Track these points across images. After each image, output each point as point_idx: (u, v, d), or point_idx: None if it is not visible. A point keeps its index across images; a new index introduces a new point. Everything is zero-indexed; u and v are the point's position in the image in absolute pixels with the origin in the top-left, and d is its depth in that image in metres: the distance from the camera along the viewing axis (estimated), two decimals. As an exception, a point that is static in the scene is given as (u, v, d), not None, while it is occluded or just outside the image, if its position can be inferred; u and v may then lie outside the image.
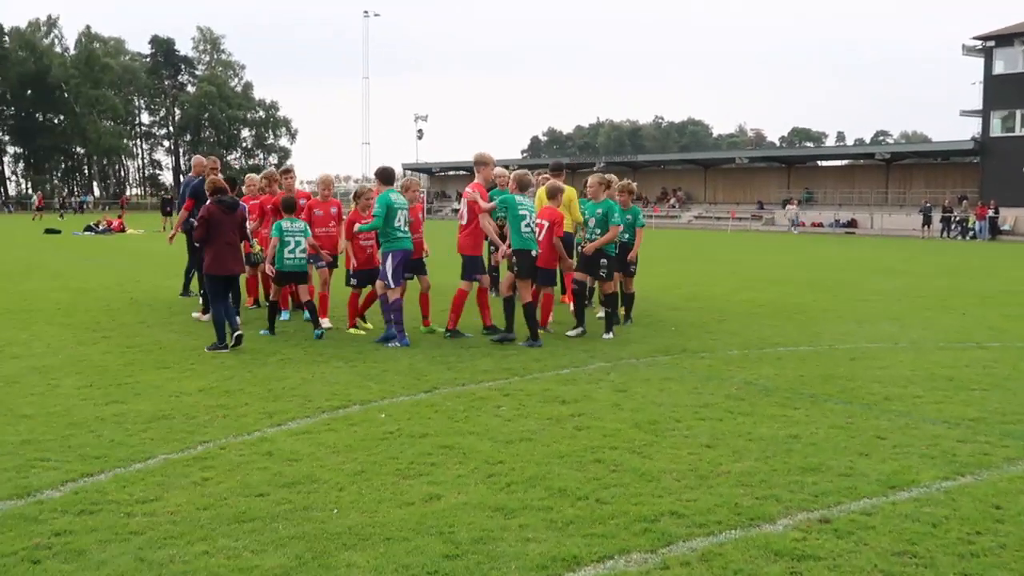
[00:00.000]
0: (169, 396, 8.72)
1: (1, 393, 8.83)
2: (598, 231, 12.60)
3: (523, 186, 12.23)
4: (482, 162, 12.82)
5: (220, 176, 13.19)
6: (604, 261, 12.45)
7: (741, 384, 9.36)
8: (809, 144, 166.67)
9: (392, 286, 11.70)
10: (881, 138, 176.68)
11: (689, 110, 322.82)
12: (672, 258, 28.64)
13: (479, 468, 6.50)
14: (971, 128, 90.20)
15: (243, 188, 15.21)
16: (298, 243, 12.15)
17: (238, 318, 11.60)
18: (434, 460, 6.71)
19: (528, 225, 11.91)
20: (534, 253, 11.92)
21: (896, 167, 64.75)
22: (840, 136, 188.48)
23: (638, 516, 5.51)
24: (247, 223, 12.27)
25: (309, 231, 12.41)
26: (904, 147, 68.85)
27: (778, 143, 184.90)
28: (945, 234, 54.73)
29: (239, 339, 11.20)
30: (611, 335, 12.30)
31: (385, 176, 12.24)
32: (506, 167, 15.97)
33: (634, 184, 14.48)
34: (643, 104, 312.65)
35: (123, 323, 13.47)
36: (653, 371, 10.05)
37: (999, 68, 57.50)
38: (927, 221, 55.12)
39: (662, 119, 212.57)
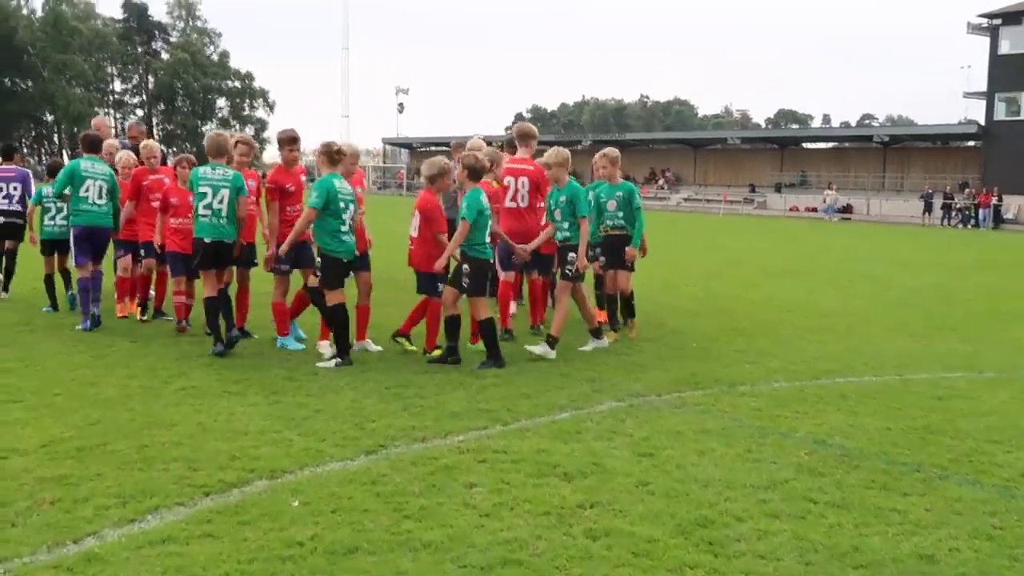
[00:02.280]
0: (-8, 458, 6.00)
1: None
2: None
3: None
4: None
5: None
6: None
7: (811, 446, 6.72)
8: (795, 126, 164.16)
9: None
10: (867, 121, 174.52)
11: (675, 89, 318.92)
12: (666, 244, 25.98)
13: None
14: (960, 112, 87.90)
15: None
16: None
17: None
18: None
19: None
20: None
21: (893, 151, 62.20)
22: (826, 119, 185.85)
23: None
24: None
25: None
26: (903, 130, 66.09)
27: (764, 124, 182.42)
28: (946, 222, 52.45)
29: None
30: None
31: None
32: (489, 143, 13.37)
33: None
34: (628, 82, 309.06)
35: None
36: (684, 418, 7.40)
37: (1005, 48, 55.00)
38: (928, 208, 52.79)
39: (648, 98, 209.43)
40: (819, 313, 13.67)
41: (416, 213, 9.49)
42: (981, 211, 51.04)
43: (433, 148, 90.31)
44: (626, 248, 10.49)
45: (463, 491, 5.57)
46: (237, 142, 10.17)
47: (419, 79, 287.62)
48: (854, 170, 62.76)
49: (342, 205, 9.06)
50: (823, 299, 15.43)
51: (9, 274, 12.82)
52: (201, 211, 9.45)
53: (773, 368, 9.42)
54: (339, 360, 8.97)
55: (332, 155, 9.29)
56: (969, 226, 51.42)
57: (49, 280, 12.05)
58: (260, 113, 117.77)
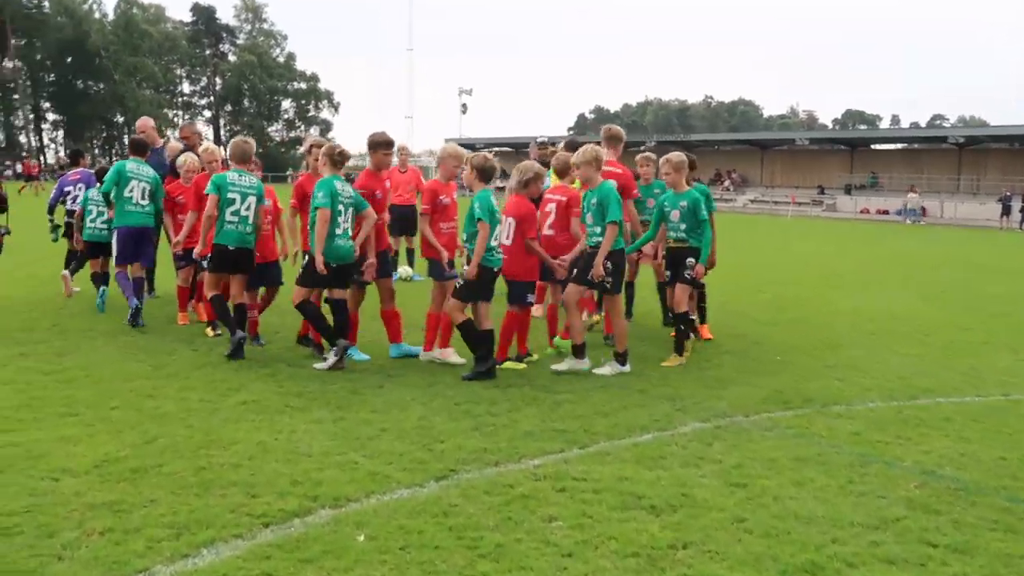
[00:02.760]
0: (41, 478, 5.67)
1: None
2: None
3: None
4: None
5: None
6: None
7: (920, 477, 6.13)
8: (863, 127, 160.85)
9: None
10: (938, 122, 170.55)
11: (739, 90, 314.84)
12: (734, 248, 25.22)
13: None
14: None
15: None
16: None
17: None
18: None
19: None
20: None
21: (968, 152, 60.36)
22: (895, 119, 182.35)
23: None
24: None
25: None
26: (978, 131, 64.04)
27: (831, 125, 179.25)
28: (1023, 226, 50.64)
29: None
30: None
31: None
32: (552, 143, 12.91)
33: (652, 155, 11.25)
34: (692, 83, 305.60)
35: (64, 328, 10.48)
36: (776, 442, 6.84)
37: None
38: (1006, 211, 51.02)
39: (712, 98, 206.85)
40: (905, 323, 12.96)
41: (508, 220, 9.10)
42: (1063, 215, 49.18)
43: (496, 149, 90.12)
44: (688, 260, 9.53)
45: (542, 525, 5.10)
46: (312, 146, 9.86)
47: (482, 80, 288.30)
48: (927, 171, 61.06)
49: (340, 208, 8.80)
50: (908, 308, 14.67)
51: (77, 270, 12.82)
52: (228, 217, 9.36)
53: (866, 386, 8.80)
54: (333, 360, 8.81)
55: (334, 157, 9.04)
56: (1050, 230, 49.63)
57: (95, 276, 12.07)
58: (325, 114, 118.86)
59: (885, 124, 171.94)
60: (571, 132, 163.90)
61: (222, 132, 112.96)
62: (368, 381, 8.38)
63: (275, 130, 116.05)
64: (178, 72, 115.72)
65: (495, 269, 8.86)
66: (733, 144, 78.47)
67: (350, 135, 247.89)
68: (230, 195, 9.32)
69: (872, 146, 69.56)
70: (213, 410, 7.28)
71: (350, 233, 8.94)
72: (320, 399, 7.71)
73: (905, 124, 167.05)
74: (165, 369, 8.68)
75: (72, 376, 8.27)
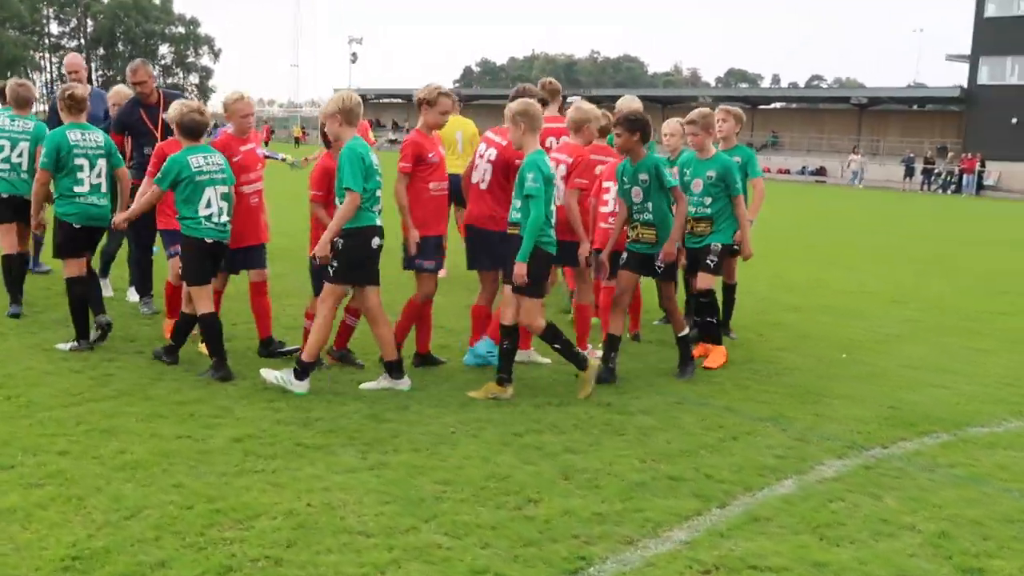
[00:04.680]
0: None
1: None
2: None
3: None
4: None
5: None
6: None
7: None
8: (744, 85, 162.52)
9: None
10: (815, 82, 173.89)
11: (625, 47, 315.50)
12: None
13: None
14: (909, 76, 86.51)
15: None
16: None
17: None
18: None
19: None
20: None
21: (870, 113, 60.76)
22: (776, 79, 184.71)
23: None
24: None
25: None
26: (881, 92, 64.41)
27: (714, 83, 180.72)
28: (925, 187, 51.17)
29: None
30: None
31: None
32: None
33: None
34: (578, 38, 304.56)
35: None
36: (957, 493, 5.26)
37: (991, 11, 53.52)
38: (909, 173, 51.39)
39: (598, 54, 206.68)
40: (935, 306, 11.70)
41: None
42: (965, 177, 49.74)
43: (386, 100, 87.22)
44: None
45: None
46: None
47: (370, 29, 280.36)
48: (828, 132, 61.23)
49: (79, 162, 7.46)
50: (916, 285, 13.49)
51: None
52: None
53: (976, 396, 7.37)
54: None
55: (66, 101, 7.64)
56: (949, 192, 50.22)
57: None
58: (205, 60, 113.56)
59: (766, 84, 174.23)
60: (457, 85, 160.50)
61: (94, 77, 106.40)
62: (384, 403, 6.48)
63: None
64: (45, 12, 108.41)
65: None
66: (646, 102, 77.34)
67: (231, 84, 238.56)
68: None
69: (773, 104, 69.50)
70: (200, 454, 5.33)
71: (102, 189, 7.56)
72: (337, 430, 5.83)
73: (785, 84, 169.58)
74: (111, 384, 6.62)
75: (-11, 398, 6.17)
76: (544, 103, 8.08)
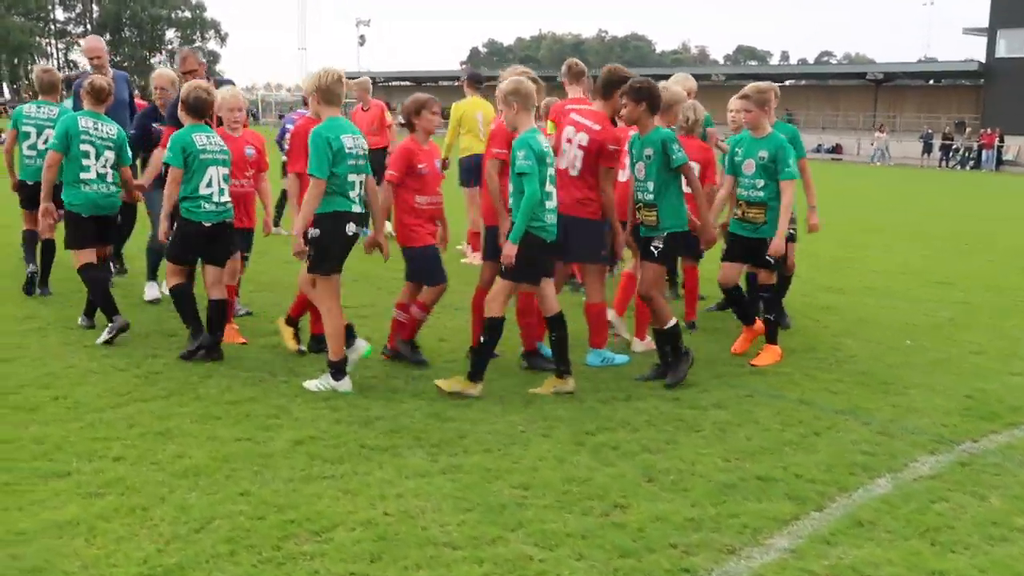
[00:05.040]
0: None
1: None
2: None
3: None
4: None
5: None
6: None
7: None
8: (754, 63, 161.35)
9: None
10: (825, 58, 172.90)
11: (632, 24, 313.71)
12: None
13: None
14: (919, 51, 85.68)
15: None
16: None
17: None
18: None
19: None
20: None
21: (886, 89, 60.09)
22: (784, 56, 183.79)
23: None
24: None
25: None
26: (896, 67, 63.69)
27: (722, 61, 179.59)
28: (944, 163, 50.59)
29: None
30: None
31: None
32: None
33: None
34: (586, 16, 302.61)
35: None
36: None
37: (1010, -17, 52.68)
38: (927, 148, 50.81)
39: (606, 33, 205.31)
40: (986, 287, 11.36)
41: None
42: (984, 152, 49.17)
43: (395, 84, 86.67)
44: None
45: None
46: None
47: (377, 11, 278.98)
48: (843, 109, 60.64)
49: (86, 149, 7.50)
50: (960, 265, 13.16)
51: None
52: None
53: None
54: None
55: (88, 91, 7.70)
56: (968, 168, 49.68)
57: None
58: (212, 45, 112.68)
59: (775, 61, 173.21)
60: (464, 66, 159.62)
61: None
62: (445, 402, 6.20)
63: (158, 61, 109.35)
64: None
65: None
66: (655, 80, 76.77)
67: (239, 69, 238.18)
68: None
69: (787, 82, 68.85)
70: (263, 458, 5.06)
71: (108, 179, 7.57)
72: (400, 430, 5.56)
73: (794, 60, 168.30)
74: (159, 383, 6.36)
75: (32, 399, 5.91)
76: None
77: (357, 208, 6.26)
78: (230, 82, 8.51)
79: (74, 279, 7.85)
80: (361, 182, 6.29)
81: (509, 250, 6.12)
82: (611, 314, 7.60)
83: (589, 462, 5.16)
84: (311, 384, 6.31)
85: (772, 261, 7.15)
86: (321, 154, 6.02)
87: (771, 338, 7.44)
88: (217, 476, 4.79)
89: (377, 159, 13.32)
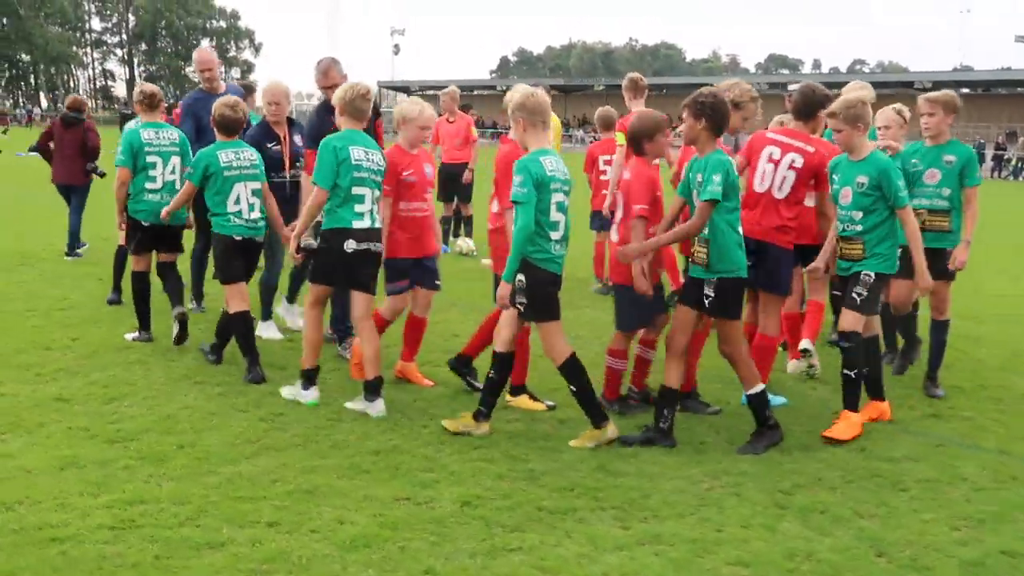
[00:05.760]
0: None
1: None
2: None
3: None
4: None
5: None
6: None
7: None
8: (785, 71, 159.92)
9: None
10: (858, 66, 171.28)
11: (663, 33, 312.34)
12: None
13: None
14: (956, 59, 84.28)
15: None
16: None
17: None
18: None
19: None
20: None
21: (930, 98, 58.94)
22: (816, 64, 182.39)
23: None
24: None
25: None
26: (945, 76, 62.51)
27: (753, 69, 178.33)
28: (996, 174, 49.50)
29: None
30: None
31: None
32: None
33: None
34: (616, 26, 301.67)
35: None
36: None
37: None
38: (980, 159, 49.69)
39: (636, 41, 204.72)
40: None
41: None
42: (1039, 163, 48.10)
43: (431, 92, 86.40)
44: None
45: None
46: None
47: (409, 21, 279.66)
48: (888, 118, 59.58)
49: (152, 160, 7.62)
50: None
51: None
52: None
53: None
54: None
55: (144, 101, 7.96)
56: (1021, 178, 48.59)
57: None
58: (247, 55, 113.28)
59: (807, 70, 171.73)
60: (494, 75, 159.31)
61: (137, 72, 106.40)
62: (538, 430, 5.61)
63: (193, 71, 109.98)
64: (87, 7, 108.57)
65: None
66: (685, 89, 76.12)
67: (273, 78, 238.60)
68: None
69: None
70: (434, 525, 4.45)
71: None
72: (572, 488, 4.95)
73: (826, 69, 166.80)
74: (289, 428, 5.77)
75: (157, 448, 5.34)
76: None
77: (362, 223, 6.00)
78: (245, 88, 9.09)
79: (161, 300, 7.52)
80: (374, 197, 6.07)
81: (503, 290, 5.55)
82: (805, 343, 7.14)
83: (800, 531, 4.53)
84: (285, 391, 6.34)
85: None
86: (324, 164, 5.93)
87: (852, 404, 6.04)
88: (390, 548, 4.20)
89: (458, 173, 12.81)
